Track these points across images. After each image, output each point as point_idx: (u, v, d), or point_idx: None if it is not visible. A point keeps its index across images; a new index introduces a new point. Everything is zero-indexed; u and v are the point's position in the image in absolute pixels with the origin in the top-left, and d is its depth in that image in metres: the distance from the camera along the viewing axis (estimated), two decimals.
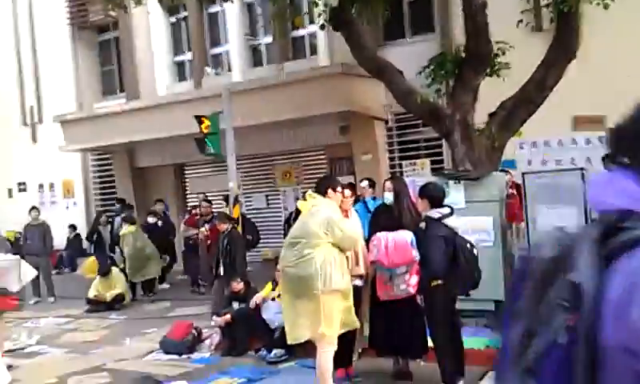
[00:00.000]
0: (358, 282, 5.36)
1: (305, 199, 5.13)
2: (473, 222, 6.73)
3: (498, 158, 8.32)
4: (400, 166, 11.46)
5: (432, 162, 11.12)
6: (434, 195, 5.15)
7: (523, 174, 6.84)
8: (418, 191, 5.31)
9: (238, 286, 7.52)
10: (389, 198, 5.73)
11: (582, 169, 6.36)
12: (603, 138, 9.67)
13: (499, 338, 1.18)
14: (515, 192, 8.40)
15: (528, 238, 6.41)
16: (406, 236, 5.28)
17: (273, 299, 6.90)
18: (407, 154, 11.68)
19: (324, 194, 5.05)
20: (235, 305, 7.36)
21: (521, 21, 8.70)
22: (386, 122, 11.81)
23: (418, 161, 11.12)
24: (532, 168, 9.26)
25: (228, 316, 7.11)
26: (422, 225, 5.15)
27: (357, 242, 5.18)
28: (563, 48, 8.00)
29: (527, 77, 8.12)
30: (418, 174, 9.84)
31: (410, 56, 10.10)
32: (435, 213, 5.07)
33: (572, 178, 6.28)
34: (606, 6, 7.87)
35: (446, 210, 5.09)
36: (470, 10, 7.71)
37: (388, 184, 5.85)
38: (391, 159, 11.99)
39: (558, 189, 6.19)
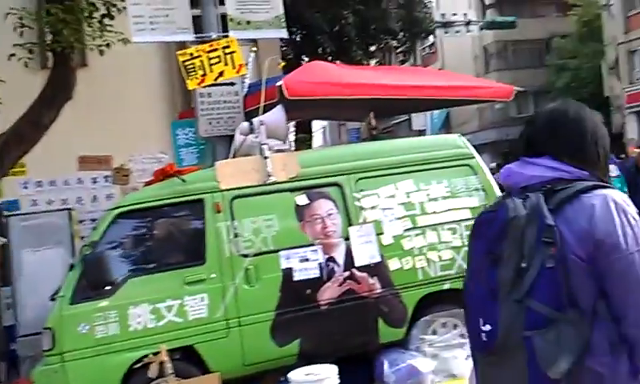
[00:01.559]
0: None
1: None
2: None
3: None
4: None
5: None
6: None
7: (7, 216, 6.34)
8: None
9: None
10: None
11: (69, 209, 6.31)
12: (110, 177, 10.03)
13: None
14: None
15: (12, 285, 5.92)
16: None
17: None
18: None
19: None
20: None
21: (13, 55, 8.17)
22: None
23: None
24: (39, 208, 8.76)
25: None
26: None
27: None
28: (59, 88, 7.89)
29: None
30: None
31: None
32: None
33: (58, 218, 6.16)
34: (101, 52, 8.22)
35: None
36: None
37: None
38: None
39: (44, 231, 5.96)
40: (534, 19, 32.36)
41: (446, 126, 30.77)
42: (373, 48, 15.77)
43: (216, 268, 4.59)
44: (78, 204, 9.28)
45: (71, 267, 4.64)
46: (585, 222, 1.56)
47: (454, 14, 18.74)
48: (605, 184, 1.66)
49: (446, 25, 18.29)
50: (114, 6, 8.38)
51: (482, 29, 22.38)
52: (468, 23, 18.84)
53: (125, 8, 8.27)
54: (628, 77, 26.11)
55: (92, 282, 4.28)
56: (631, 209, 1.61)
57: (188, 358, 4.44)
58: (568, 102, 1.80)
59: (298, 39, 14.46)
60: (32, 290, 5.82)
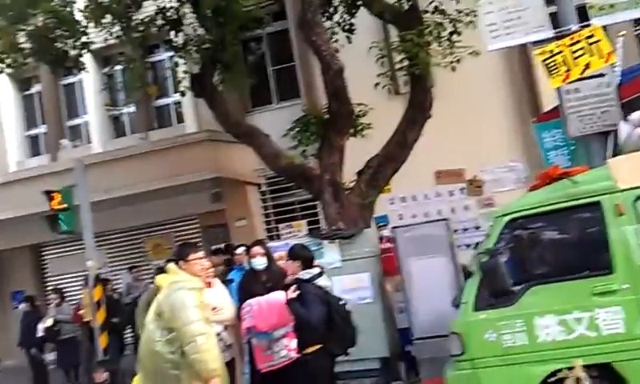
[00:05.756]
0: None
1: (165, 272, 4.52)
2: (350, 279, 6.63)
3: (369, 215, 8.42)
4: (277, 229, 11.23)
5: (308, 224, 10.99)
6: (304, 256, 4.98)
7: (393, 228, 6.91)
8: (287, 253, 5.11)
9: (101, 376, 6.73)
10: (259, 263, 5.52)
11: (445, 219, 6.54)
12: (464, 189, 10.22)
13: None
14: (391, 246, 8.51)
15: (405, 291, 6.37)
16: (280, 296, 4.92)
17: None
18: (283, 216, 11.50)
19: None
20: None
21: (378, 84, 9.04)
22: (259, 186, 11.64)
23: (294, 223, 10.94)
24: (404, 222, 9.43)
25: None
26: (293, 288, 4.90)
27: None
28: (418, 108, 8.39)
29: (390, 136, 8.41)
30: (295, 237, 9.64)
31: (277, 121, 10.13)
32: (305, 274, 4.87)
33: (436, 229, 6.42)
34: (453, 68, 8.47)
35: (316, 271, 4.91)
36: (329, 74, 7.90)
37: (257, 249, 5.66)
38: (267, 223, 11.75)
39: (425, 240, 6.29)
40: None
41: None
42: None
43: (627, 278, 4.06)
44: (438, 215, 9.65)
45: (468, 274, 4.72)
46: None
47: None
48: None
49: None
50: (460, 22, 8.59)
51: None
52: None
53: (470, 22, 8.43)
54: None
55: (491, 288, 4.25)
56: None
57: (607, 377, 4.00)
58: None
59: None
60: (421, 295, 6.18)
